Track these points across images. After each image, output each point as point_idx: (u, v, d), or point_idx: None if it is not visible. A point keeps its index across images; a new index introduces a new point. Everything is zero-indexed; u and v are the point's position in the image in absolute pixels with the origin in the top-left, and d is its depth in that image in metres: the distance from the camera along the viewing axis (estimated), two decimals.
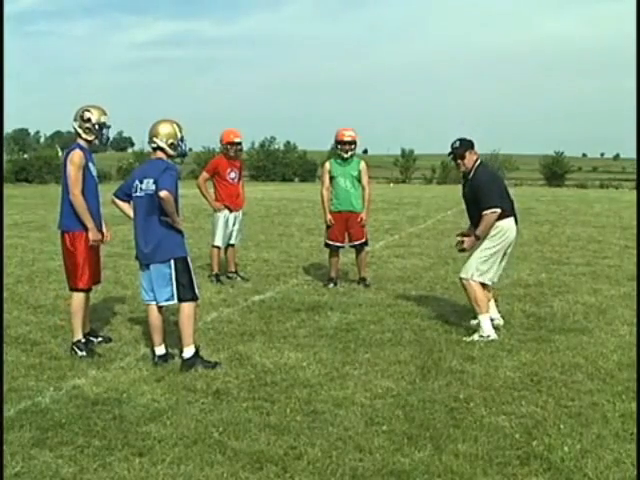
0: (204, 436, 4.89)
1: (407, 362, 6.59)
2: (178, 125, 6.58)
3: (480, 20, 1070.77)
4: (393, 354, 6.83)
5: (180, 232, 6.45)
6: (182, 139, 6.57)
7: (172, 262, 6.38)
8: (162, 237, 6.37)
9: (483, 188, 7.47)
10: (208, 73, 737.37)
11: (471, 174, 7.62)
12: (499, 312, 8.00)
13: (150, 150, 6.64)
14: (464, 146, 7.63)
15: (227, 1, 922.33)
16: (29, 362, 6.54)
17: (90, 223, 6.79)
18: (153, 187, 6.29)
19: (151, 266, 6.44)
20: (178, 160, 6.70)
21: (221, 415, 5.27)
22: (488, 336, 7.33)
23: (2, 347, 6.60)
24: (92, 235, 6.81)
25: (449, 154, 7.75)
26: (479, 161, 7.66)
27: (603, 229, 18.16)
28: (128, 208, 6.65)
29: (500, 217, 7.45)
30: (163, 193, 6.16)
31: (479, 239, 7.50)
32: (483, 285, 7.62)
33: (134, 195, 6.51)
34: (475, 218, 7.59)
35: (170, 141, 6.48)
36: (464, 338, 7.35)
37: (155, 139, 6.50)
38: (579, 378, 6.14)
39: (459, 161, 7.62)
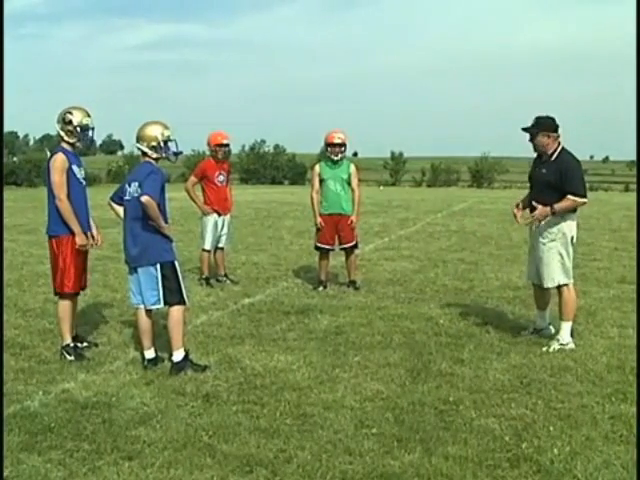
0: (194, 440, 4.88)
1: (397, 365, 6.59)
2: (163, 126, 6.56)
3: (471, 23, 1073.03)
4: (383, 357, 6.83)
5: (167, 237, 6.45)
6: (168, 140, 6.54)
7: (158, 266, 6.38)
8: (149, 241, 6.37)
9: (575, 173, 7.11)
10: (198, 76, 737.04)
11: (554, 156, 7.19)
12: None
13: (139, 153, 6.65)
14: (537, 125, 7.25)
15: (219, 5, 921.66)
16: (18, 366, 6.51)
17: (77, 227, 6.73)
18: (139, 191, 6.30)
19: (139, 269, 6.45)
20: (173, 159, 6.69)
21: (211, 418, 5.25)
22: (567, 343, 7.13)
23: (2, 348, 6.58)
24: (79, 240, 6.75)
25: (523, 130, 7.32)
26: (561, 146, 7.22)
27: (592, 231, 18.18)
28: (122, 212, 6.65)
29: (573, 210, 7.18)
30: (144, 198, 6.18)
31: (554, 214, 7.08)
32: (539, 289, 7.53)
33: (124, 198, 6.53)
34: (542, 202, 7.13)
35: (152, 144, 6.47)
36: (544, 348, 7.08)
37: (137, 144, 6.54)
38: (568, 380, 6.15)
39: (532, 141, 7.28)
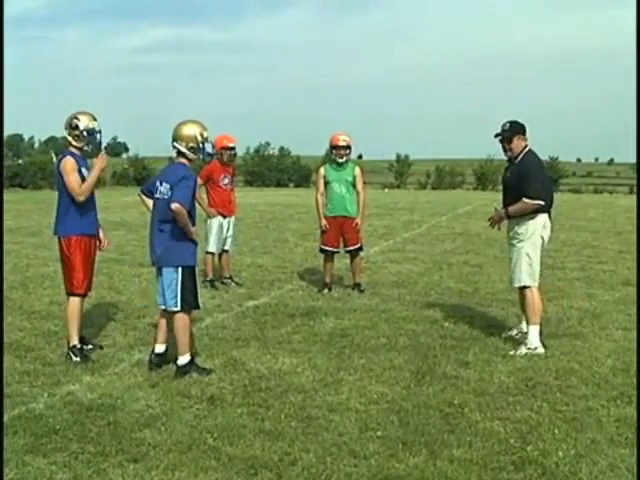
0: (198, 442, 4.88)
1: (402, 367, 6.59)
2: (202, 125, 6.49)
3: (475, 25, 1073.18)
4: (388, 359, 6.83)
5: (193, 241, 6.43)
6: (205, 140, 6.45)
7: (180, 269, 6.34)
8: (174, 242, 6.31)
9: (530, 175, 7.16)
10: (202, 79, 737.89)
11: (518, 159, 7.31)
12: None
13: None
14: (513, 130, 7.32)
15: (222, 8, 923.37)
16: (23, 368, 6.51)
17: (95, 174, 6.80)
18: (169, 193, 6.26)
19: (163, 269, 6.42)
20: (207, 159, 6.75)
21: (215, 421, 5.26)
22: (536, 348, 7.09)
23: (2, 351, 6.58)
24: (100, 161, 6.81)
25: (496, 135, 7.41)
26: (528, 147, 7.33)
27: (597, 234, 18.20)
28: (152, 205, 6.62)
29: (538, 211, 7.20)
30: (174, 206, 6.10)
31: (509, 217, 7.31)
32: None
33: (155, 196, 6.49)
34: (508, 204, 7.29)
35: (191, 145, 6.39)
36: (510, 352, 7.05)
37: (175, 143, 6.43)
38: (573, 383, 6.15)
39: (506, 145, 7.34)
